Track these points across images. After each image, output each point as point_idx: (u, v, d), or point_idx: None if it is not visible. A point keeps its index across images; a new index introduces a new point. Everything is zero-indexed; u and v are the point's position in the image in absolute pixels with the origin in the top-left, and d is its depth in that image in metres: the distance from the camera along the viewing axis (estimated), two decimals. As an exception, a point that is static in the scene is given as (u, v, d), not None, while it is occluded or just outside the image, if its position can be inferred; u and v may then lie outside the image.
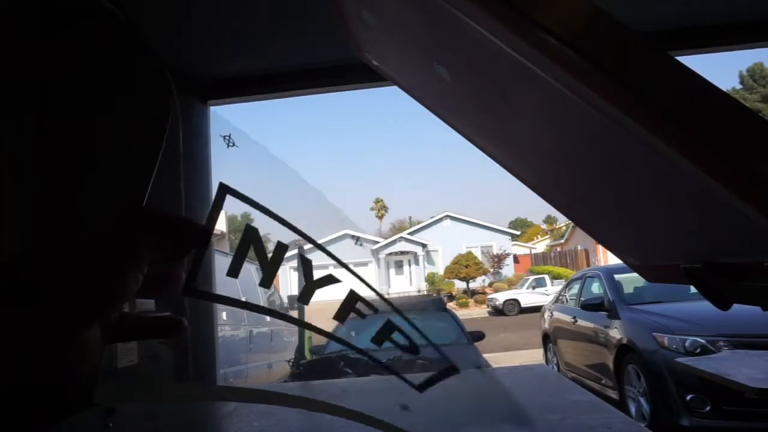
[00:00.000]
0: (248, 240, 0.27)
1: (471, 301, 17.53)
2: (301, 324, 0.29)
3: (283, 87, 0.96)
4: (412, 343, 0.27)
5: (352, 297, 0.27)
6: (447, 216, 21.39)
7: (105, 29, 0.43)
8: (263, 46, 0.89)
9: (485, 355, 3.84)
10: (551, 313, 5.43)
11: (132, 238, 0.25)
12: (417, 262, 20.34)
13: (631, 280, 4.09)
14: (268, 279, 0.28)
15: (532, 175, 0.64)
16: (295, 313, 4.70)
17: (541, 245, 26.36)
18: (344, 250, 16.68)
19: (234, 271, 0.27)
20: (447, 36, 0.46)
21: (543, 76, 0.36)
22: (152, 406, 0.84)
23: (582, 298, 4.62)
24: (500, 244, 20.77)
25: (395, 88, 0.74)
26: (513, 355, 7.08)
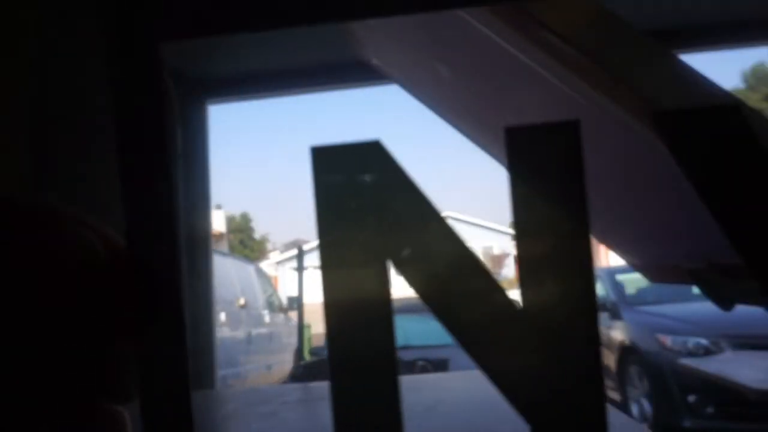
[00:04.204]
0: None
1: (472, 301, 17.43)
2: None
3: (282, 86, 0.96)
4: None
5: None
6: (448, 217, 21.37)
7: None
8: (262, 45, 0.89)
9: (486, 356, 3.82)
10: (552, 313, 5.41)
11: None
12: (418, 263, 20.26)
13: (633, 281, 4.08)
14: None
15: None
16: (294, 315, 4.70)
17: (542, 246, 26.25)
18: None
19: None
20: (447, 34, 0.46)
21: (545, 75, 0.36)
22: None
23: (583, 299, 4.60)
24: (501, 244, 20.77)
25: (395, 86, 0.74)
26: (514, 356, 7.05)
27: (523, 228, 0.13)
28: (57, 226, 0.15)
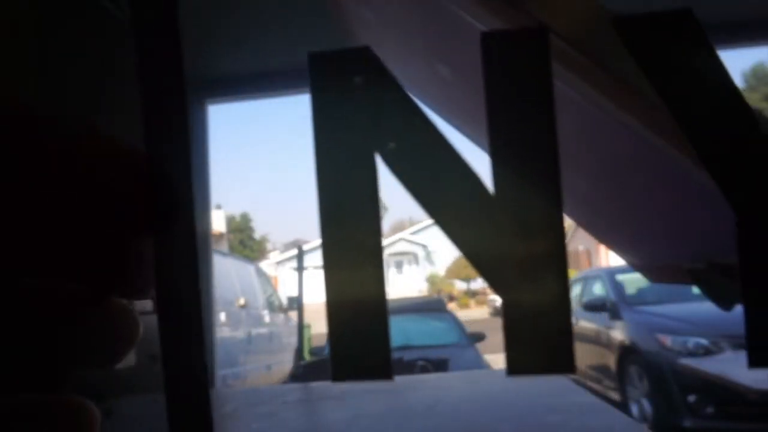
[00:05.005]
0: None
1: (472, 301, 17.52)
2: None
3: (282, 86, 0.96)
4: None
5: None
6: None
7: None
8: (262, 45, 0.89)
9: (486, 356, 3.83)
10: (552, 313, 5.40)
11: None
12: (417, 263, 20.35)
13: (633, 281, 4.08)
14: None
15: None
16: (294, 315, 4.71)
17: (542, 246, 26.26)
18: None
19: None
20: (448, 34, 0.46)
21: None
22: (148, 408, 0.84)
23: (584, 299, 4.61)
24: (501, 244, 20.66)
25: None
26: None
27: (497, 121, 0.15)
28: (80, 123, 0.15)
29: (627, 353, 3.63)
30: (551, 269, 0.15)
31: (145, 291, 0.16)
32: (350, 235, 0.15)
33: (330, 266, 0.16)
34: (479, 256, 0.15)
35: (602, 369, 4.05)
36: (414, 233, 21.51)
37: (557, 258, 0.15)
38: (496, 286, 0.15)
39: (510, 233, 0.15)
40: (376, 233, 0.15)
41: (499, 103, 0.16)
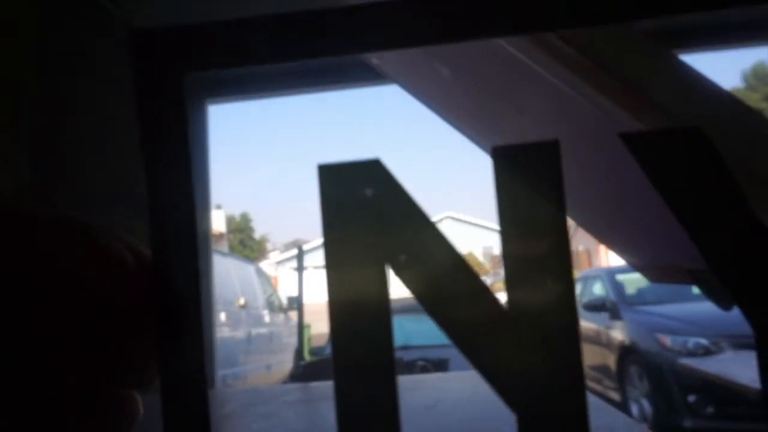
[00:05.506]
0: None
1: (472, 301, 17.47)
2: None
3: (281, 86, 0.96)
4: None
5: None
6: (449, 217, 21.42)
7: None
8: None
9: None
10: (552, 313, 5.40)
11: None
12: (418, 263, 20.32)
13: (633, 281, 4.08)
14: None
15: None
16: (294, 315, 4.71)
17: (542, 246, 26.27)
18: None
19: None
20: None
21: (545, 75, 0.36)
22: (146, 409, 0.83)
23: (584, 299, 4.61)
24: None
25: (395, 86, 0.74)
26: (514, 356, 7.03)
27: (509, 239, 0.15)
28: (91, 238, 0.17)
29: (627, 353, 3.63)
30: (570, 389, 0.14)
31: (149, 383, 0.17)
32: (363, 367, 0.15)
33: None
34: (495, 373, 0.15)
35: (602, 369, 4.05)
36: (414, 233, 21.37)
37: (576, 380, 0.14)
38: (513, 404, 0.15)
39: (526, 350, 0.14)
40: (390, 363, 0.16)
41: (511, 219, 0.15)
